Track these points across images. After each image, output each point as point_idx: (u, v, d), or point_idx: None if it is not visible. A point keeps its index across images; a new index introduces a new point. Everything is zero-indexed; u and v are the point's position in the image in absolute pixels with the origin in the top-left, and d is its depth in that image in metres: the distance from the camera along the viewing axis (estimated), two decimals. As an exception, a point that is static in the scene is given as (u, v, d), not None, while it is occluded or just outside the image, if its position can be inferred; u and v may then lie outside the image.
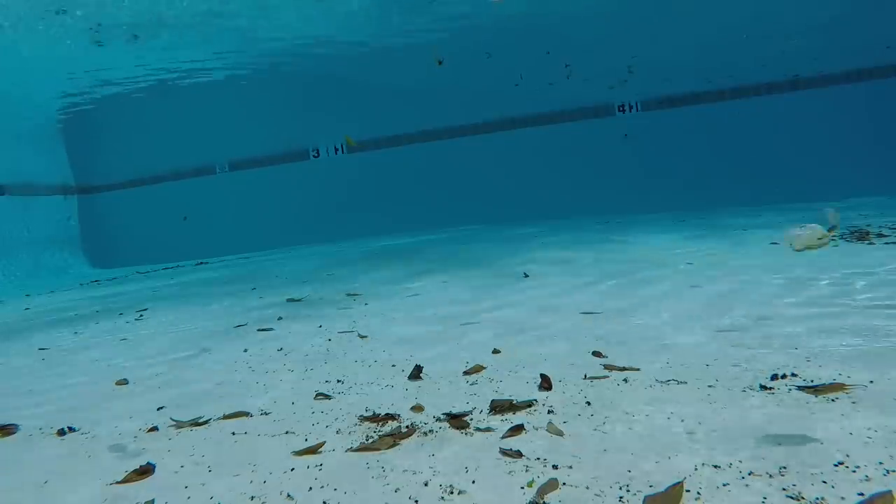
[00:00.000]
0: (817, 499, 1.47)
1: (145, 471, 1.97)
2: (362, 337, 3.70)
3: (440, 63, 9.77)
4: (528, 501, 1.57)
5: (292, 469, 1.90)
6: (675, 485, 1.55)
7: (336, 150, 15.67)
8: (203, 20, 10.46)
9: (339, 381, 2.84)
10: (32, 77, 12.12)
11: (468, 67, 14.36)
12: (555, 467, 1.75)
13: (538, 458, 1.82)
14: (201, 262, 11.68)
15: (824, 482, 1.54)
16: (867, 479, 1.54)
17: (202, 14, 10.17)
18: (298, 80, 14.70)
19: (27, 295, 8.59)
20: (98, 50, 11.14)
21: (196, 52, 12.28)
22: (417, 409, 2.36)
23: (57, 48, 10.75)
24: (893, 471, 1.57)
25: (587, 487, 1.62)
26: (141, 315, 5.46)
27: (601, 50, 13.87)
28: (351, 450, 2.01)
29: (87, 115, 14.80)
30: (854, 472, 1.58)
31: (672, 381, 2.41)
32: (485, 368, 2.82)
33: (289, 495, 1.73)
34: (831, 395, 2.11)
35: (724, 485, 1.57)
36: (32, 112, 14.01)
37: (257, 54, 12.92)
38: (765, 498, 1.49)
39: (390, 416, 2.28)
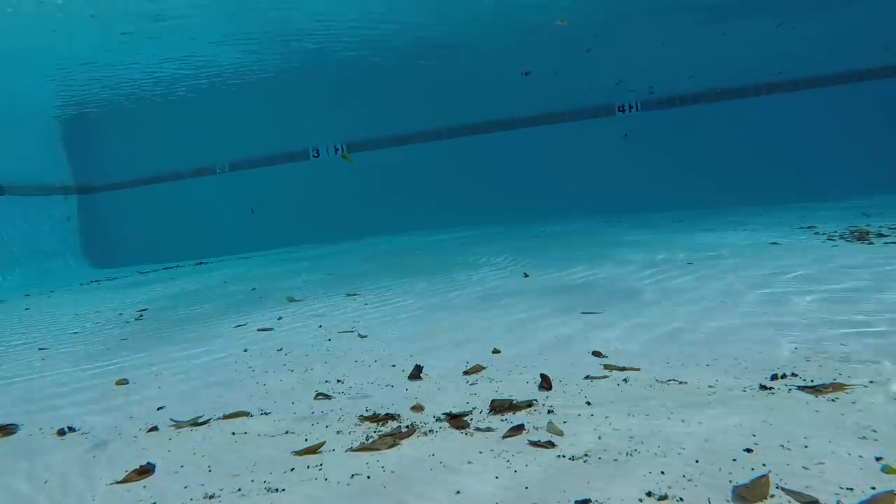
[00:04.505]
0: (818, 498, 1.46)
1: (145, 471, 1.97)
2: (362, 337, 3.70)
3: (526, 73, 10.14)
4: None
5: (292, 469, 1.90)
6: (761, 477, 1.55)
7: (336, 150, 15.67)
8: (204, 17, 10.45)
9: (339, 381, 2.84)
10: (32, 76, 12.12)
11: (470, 68, 14.39)
12: (555, 467, 1.75)
13: (538, 458, 1.81)
14: (201, 262, 11.68)
15: (825, 482, 1.54)
16: (868, 479, 1.54)
17: (203, 11, 10.16)
18: (299, 79, 14.69)
19: (27, 295, 8.59)
20: (98, 48, 11.15)
21: (196, 52, 12.28)
22: (417, 408, 2.35)
23: (56, 46, 10.75)
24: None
25: (587, 487, 1.62)
26: (141, 315, 5.46)
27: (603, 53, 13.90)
28: (351, 450, 2.01)
29: (87, 115, 14.80)
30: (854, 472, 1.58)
31: (672, 381, 2.41)
32: (485, 368, 2.81)
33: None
34: (831, 395, 2.11)
35: (724, 485, 1.57)
36: (32, 112, 14.01)
37: (261, 52, 12.91)
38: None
39: (390, 416, 2.28)
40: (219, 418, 2.46)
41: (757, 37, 14.08)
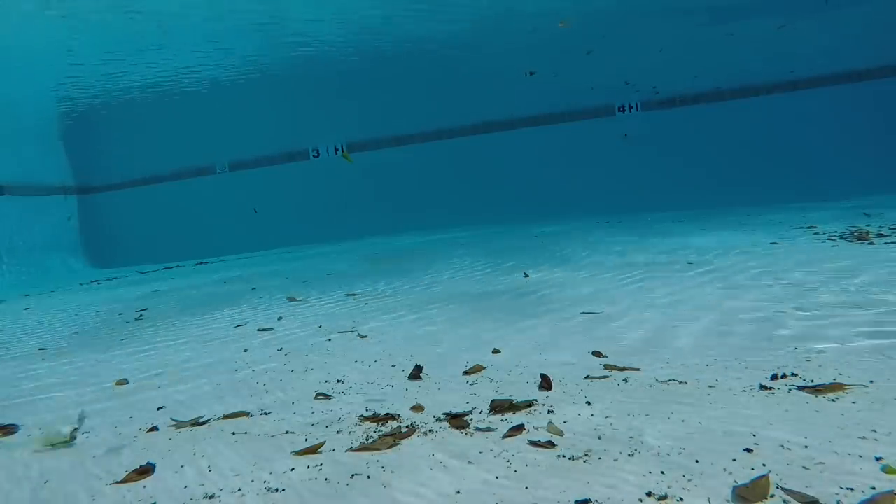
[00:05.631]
0: (818, 498, 1.46)
1: (145, 471, 1.97)
2: (362, 337, 3.70)
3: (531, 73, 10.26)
4: None
5: (292, 469, 1.90)
6: (761, 477, 1.55)
7: (336, 150, 15.67)
8: (203, 17, 10.46)
9: (339, 381, 2.84)
10: (32, 77, 12.12)
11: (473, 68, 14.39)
12: (555, 467, 1.75)
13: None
14: (201, 262, 11.68)
15: (825, 482, 1.54)
16: (867, 479, 1.54)
17: (204, 12, 10.17)
18: (299, 79, 14.70)
19: (27, 294, 8.60)
20: (98, 48, 11.15)
21: (195, 51, 12.28)
22: (417, 408, 2.35)
23: (57, 46, 10.76)
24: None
25: (587, 487, 1.62)
26: (141, 315, 5.47)
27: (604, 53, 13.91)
28: (351, 450, 2.01)
29: (87, 115, 14.81)
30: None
31: (672, 381, 2.41)
32: (485, 368, 2.82)
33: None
34: (831, 395, 2.11)
35: (724, 485, 1.57)
36: (32, 112, 14.02)
37: (260, 53, 12.91)
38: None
39: (390, 416, 2.28)
40: (219, 418, 2.46)
41: (757, 37, 14.09)
